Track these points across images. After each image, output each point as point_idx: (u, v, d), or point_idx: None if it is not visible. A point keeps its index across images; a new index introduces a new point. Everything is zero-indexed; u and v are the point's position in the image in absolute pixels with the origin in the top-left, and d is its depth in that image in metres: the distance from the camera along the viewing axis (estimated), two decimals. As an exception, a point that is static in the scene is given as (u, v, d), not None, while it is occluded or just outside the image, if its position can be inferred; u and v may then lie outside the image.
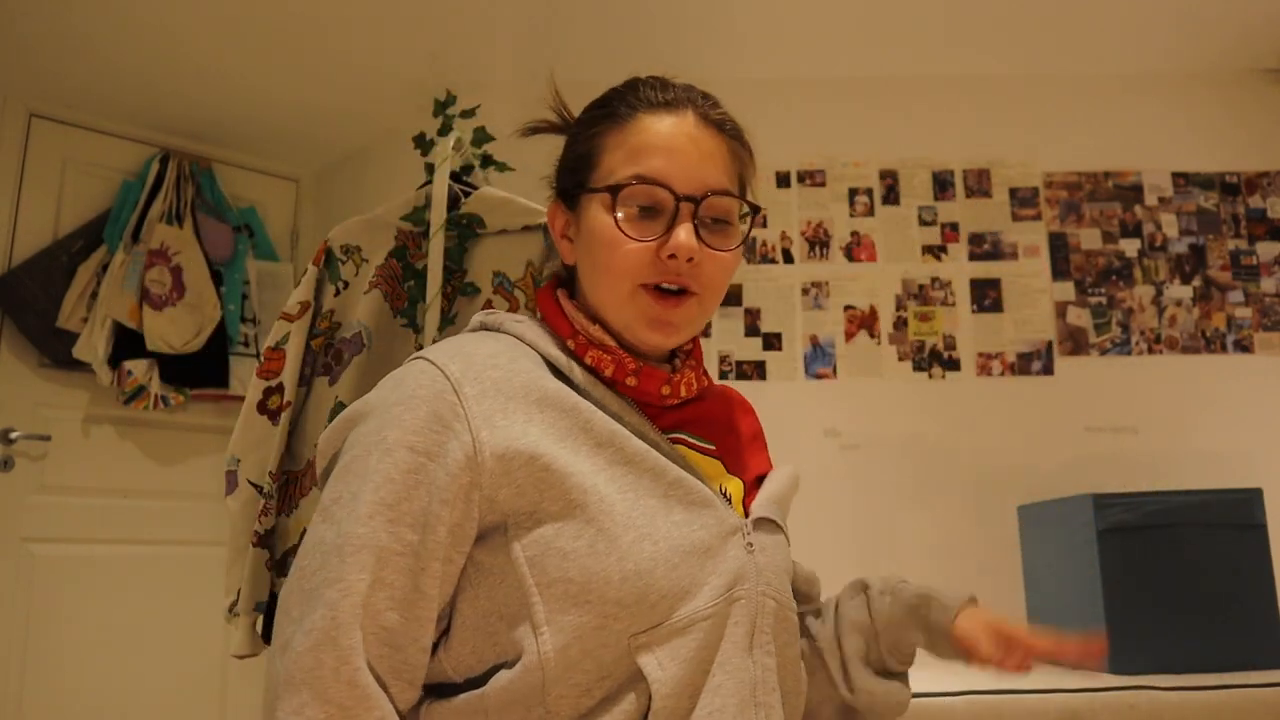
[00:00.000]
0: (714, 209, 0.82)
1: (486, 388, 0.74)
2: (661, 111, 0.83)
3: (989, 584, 2.12)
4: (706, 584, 0.74)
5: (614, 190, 0.81)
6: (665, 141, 0.81)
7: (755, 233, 2.42)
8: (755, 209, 0.85)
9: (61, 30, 2.24)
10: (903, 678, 0.92)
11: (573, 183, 0.87)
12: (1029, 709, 1.29)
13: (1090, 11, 2.22)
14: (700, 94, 0.86)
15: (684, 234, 0.79)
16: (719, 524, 0.77)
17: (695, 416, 0.88)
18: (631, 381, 0.82)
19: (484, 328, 0.86)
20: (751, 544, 0.79)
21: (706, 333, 2.39)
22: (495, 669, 0.73)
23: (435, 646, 0.74)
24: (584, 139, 0.86)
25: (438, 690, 0.75)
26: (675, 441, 0.84)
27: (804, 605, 0.95)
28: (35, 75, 2.44)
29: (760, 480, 0.90)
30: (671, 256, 0.79)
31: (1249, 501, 1.51)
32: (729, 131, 0.85)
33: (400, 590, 0.69)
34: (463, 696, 0.73)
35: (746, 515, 0.83)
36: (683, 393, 0.85)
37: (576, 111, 0.91)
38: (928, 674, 1.44)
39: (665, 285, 0.80)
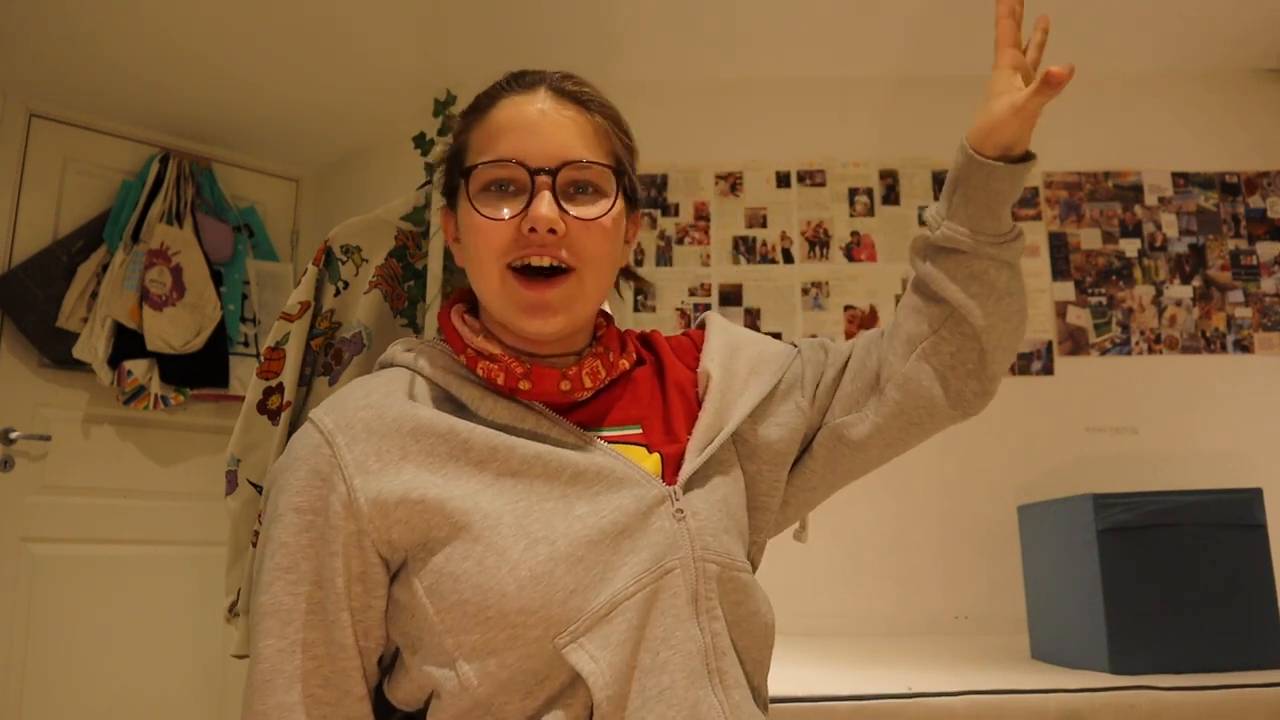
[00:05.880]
0: (576, 178, 0.79)
1: (358, 432, 0.74)
2: (516, 94, 0.82)
3: (989, 584, 2.15)
4: (624, 565, 0.72)
5: (467, 174, 0.80)
6: (517, 120, 0.80)
7: (755, 232, 2.43)
8: (620, 172, 0.81)
9: (61, 30, 2.24)
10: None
11: (448, 185, 0.86)
12: (1029, 709, 1.29)
13: (1090, 11, 2.22)
14: (560, 73, 0.84)
15: (542, 206, 0.76)
16: (637, 502, 0.75)
17: (610, 405, 0.84)
18: (524, 386, 0.79)
19: (381, 365, 0.87)
20: (681, 510, 0.77)
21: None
22: (431, 698, 0.74)
23: (382, 683, 0.77)
24: (456, 140, 0.86)
25: None
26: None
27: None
28: (35, 75, 2.44)
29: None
30: (532, 230, 0.76)
31: (1249, 501, 1.50)
32: (586, 102, 0.82)
33: (320, 645, 0.72)
34: None
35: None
36: (586, 384, 0.81)
37: None
38: (928, 674, 1.44)
39: (535, 262, 0.77)
